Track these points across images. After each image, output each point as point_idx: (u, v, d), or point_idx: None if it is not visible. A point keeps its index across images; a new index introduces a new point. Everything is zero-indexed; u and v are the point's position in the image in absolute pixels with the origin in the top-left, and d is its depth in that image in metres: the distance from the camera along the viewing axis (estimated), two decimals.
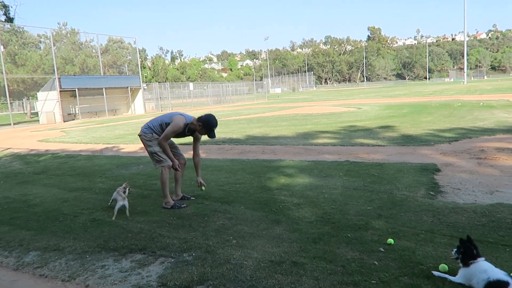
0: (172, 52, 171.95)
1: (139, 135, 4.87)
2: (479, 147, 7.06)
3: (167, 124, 4.66)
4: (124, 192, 4.58)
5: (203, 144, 10.01)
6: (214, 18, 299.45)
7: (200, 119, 4.69)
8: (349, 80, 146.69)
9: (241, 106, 35.76)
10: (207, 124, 4.70)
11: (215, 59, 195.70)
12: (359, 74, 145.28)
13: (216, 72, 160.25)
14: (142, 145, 4.92)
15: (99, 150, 10.68)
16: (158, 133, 4.72)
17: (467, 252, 2.49)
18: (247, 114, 21.15)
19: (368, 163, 6.35)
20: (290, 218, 3.96)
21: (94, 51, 40.43)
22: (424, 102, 22.02)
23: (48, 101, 28.64)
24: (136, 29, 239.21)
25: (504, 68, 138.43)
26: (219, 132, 12.40)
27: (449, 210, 3.87)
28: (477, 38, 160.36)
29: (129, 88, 33.92)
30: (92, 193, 5.68)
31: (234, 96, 51.00)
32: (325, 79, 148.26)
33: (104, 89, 31.19)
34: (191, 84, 42.73)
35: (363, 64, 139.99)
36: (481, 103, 17.48)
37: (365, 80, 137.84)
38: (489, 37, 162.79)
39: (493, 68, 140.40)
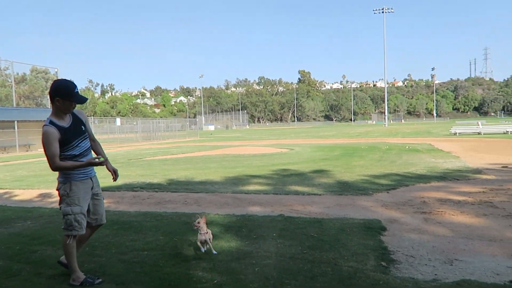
0: (102, 86, 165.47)
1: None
2: (420, 198, 6.58)
3: (42, 140, 3.39)
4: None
5: (116, 190, 8.60)
6: (148, 53, 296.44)
7: (52, 93, 3.41)
8: (281, 120, 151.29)
9: (172, 143, 34.17)
10: (61, 89, 3.42)
11: (148, 95, 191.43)
12: (290, 114, 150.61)
13: (148, 107, 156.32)
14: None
15: None
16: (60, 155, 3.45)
17: None
18: (175, 153, 19.78)
19: (305, 218, 5.48)
20: None
21: (9, 80, 36.72)
22: (353, 144, 22.42)
23: None
24: (64, 60, 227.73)
25: (418, 113, 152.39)
26: (138, 176, 11.03)
27: None
28: (395, 86, 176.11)
29: None
30: None
31: (166, 132, 49.23)
32: (258, 118, 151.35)
33: (16, 122, 27.98)
34: (117, 119, 40.35)
35: (294, 105, 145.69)
36: (407, 147, 18.02)
37: (295, 120, 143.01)
38: (405, 85, 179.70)
39: (409, 112, 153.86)
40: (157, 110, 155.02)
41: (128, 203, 7.18)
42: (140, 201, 7.39)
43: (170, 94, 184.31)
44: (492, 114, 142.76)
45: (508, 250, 3.97)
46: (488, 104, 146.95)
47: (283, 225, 5.14)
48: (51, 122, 3.44)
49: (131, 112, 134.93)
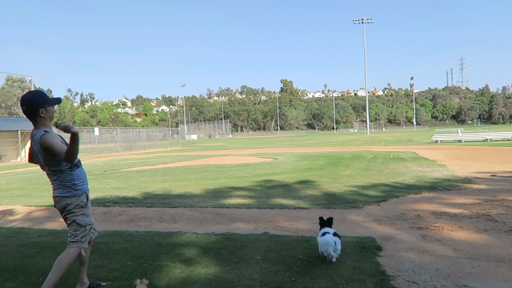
0: (82, 95, 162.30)
1: (58, 207, 3.35)
2: (413, 211, 6.16)
3: (47, 148, 3.12)
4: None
5: None
6: (129, 61, 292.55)
7: (32, 108, 3.22)
8: (264, 129, 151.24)
9: (153, 153, 33.30)
10: (39, 99, 3.24)
11: (129, 104, 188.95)
12: (273, 123, 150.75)
13: (129, 117, 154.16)
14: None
15: None
16: (65, 169, 3.27)
17: (321, 223, 4.15)
18: (155, 163, 19.06)
19: (292, 237, 4.97)
20: None
21: None
22: (337, 152, 22.12)
23: None
24: (42, 69, 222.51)
25: (398, 121, 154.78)
26: (113, 189, 10.33)
27: None
28: (375, 95, 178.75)
29: (19, 131, 29.59)
30: None
31: (147, 142, 48.25)
32: (241, 127, 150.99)
33: None
34: (96, 129, 39.17)
35: (276, 113, 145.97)
36: (392, 155, 17.79)
37: (278, 129, 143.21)
38: (385, 94, 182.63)
39: (389, 121, 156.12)
40: (138, 120, 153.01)
41: (97, 221, 6.50)
42: (110, 218, 6.75)
43: (152, 103, 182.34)
44: (469, 122, 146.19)
45: None
46: (465, 113, 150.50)
47: (268, 246, 4.61)
48: (46, 132, 3.21)
49: (111, 122, 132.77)
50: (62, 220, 3.49)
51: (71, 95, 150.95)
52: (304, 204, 7.13)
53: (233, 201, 7.80)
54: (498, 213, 5.76)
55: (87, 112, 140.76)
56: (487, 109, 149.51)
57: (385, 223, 5.48)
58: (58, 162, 3.21)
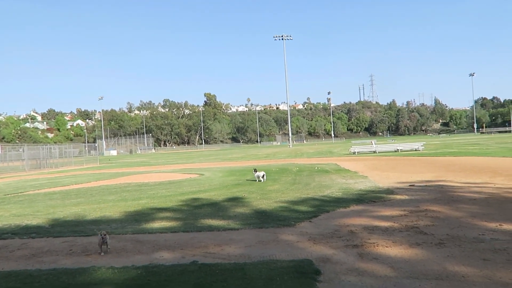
0: None
1: None
2: (345, 226, 6.06)
3: None
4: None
5: None
6: (38, 71, 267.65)
7: None
8: (188, 143, 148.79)
9: (66, 172, 30.48)
10: None
11: (39, 118, 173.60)
12: (197, 137, 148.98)
13: (40, 132, 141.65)
14: None
15: None
16: None
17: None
18: (67, 184, 17.25)
19: (224, 265, 4.50)
20: None
21: None
22: (263, 166, 22.12)
23: None
24: None
25: (318, 134, 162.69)
26: (13, 216, 8.91)
27: None
28: (296, 108, 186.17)
29: None
30: None
31: (60, 159, 44.36)
32: (164, 141, 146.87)
33: None
34: None
35: (201, 127, 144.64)
36: (316, 168, 18.19)
37: (203, 142, 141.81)
38: (305, 108, 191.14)
39: (309, 133, 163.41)
40: (50, 135, 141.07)
41: None
42: (6, 254, 5.66)
43: (66, 117, 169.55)
44: (380, 134, 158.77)
45: None
46: (376, 125, 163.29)
47: (198, 278, 4.09)
48: None
49: (18, 138, 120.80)
50: None
51: None
52: (235, 224, 6.70)
53: (156, 224, 7.10)
54: (425, 225, 5.88)
55: None
56: (395, 122, 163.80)
57: (320, 242, 5.26)
58: None
